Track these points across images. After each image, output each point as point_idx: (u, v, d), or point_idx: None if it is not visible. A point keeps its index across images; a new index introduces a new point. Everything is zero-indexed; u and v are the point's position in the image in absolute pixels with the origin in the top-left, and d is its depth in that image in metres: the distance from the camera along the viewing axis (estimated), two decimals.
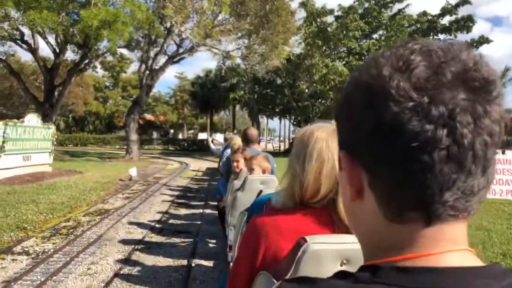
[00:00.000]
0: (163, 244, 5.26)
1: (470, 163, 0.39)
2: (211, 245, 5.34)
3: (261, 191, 2.57)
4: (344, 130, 0.47)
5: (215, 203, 6.50)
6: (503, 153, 9.66)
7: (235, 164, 3.81)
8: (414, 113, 0.39)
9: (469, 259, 0.42)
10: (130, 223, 6.36)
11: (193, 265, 4.44)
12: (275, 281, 0.88)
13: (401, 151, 0.40)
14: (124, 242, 5.25)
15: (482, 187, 0.42)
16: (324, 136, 1.12)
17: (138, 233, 5.73)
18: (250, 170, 3.04)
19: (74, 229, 5.79)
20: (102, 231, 5.69)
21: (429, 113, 0.38)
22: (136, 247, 5.04)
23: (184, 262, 4.53)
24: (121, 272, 4.16)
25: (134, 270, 4.25)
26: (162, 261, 4.56)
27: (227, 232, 3.68)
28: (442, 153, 0.39)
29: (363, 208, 0.46)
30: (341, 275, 0.44)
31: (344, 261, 0.97)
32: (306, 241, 0.93)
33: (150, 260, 4.58)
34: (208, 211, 7.51)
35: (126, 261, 4.51)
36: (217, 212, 5.44)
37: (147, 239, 5.47)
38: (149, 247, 5.07)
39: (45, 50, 68.62)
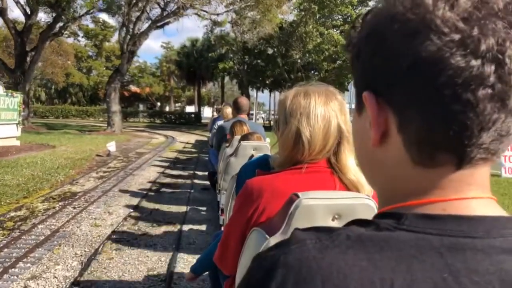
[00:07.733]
0: (140, 238, 4.09)
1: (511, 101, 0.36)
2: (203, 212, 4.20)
3: (252, 156, 2.48)
4: (370, 67, 0.42)
5: (205, 173, 6.64)
6: None
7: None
8: (461, 47, 0.34)
9: (495, 208, 0.40)
10: (98, 212, 5.16)
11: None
12: (268, 237, 0.95)
13: (441, 89, 0.36)
14: (86, 239, 4.08)
15: None
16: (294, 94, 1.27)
17: (106, 226, 4.55)
18: None
19: (23, 222, 4.53)
20: (59, 224, 4.48)
21: (477, 46, 0.34)
22: (103, 244, 3.86)
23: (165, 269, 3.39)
24: None
25: (96, 278, 3.10)
26: (133, 269, 3.41)
27: (219, 197, 3.64)
28: (486, 91, 0.35)
29: (386, 153, 0.42)
30: (360, 222, 0.40)
31: (336, 216, 0.98)
32: (298, 196, 0.95)
33: (119, 261, 3.42)
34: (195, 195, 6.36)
35: (85, 268, 3.36)
36: (209, 181, 5.64)
37: (116, 234, 4.29)
38: (120, 241, 3.90)
39: (15, 11, 64.29)
